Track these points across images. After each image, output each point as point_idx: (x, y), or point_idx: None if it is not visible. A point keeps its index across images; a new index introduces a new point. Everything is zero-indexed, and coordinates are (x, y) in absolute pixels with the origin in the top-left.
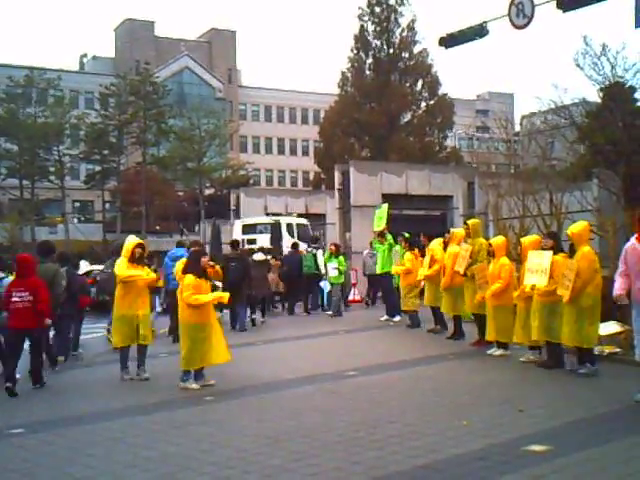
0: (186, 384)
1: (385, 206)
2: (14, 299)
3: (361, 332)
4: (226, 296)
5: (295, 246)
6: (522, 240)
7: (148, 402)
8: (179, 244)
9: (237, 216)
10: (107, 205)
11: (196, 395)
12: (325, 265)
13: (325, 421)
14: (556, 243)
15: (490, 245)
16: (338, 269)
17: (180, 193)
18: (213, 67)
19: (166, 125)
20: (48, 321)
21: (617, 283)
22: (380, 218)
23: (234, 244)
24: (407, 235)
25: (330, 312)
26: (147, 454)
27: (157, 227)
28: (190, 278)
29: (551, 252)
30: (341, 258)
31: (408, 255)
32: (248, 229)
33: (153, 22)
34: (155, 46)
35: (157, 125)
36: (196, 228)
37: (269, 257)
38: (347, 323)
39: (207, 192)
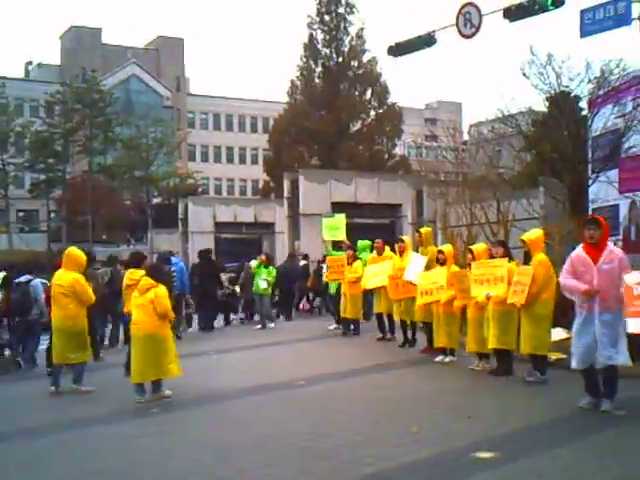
0: (138, 398)
1: (341, 216)
2: None
3: (311, 341)
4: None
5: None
6: (472, 248)
7: (96, 414)
8: (170, 253)
9: (185, 225)
10: (52, 214)
11: (145, 407)
12: (254, 276)
13: (275, 431)
14: (506, 251)
15: (440, 252)
16: (267, 280)
17: (127, 202)
18: (161, 75)
19: (113, 133)
20: None
21: (573, 282)
22: (337, 228)
23: (205, 253)
24: (365, 243)
25: (259, 326)
26: (94, 467)
27: (103, 236)
28: (164, 289)
29: (506, 259)
30: (271, 269)
31: (358, 263)
32: None
33: (100, 29)
34: (102, 53)
35: (104, 133)
36: (144, 238)
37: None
38: (297, 332)
39: (155, 201)
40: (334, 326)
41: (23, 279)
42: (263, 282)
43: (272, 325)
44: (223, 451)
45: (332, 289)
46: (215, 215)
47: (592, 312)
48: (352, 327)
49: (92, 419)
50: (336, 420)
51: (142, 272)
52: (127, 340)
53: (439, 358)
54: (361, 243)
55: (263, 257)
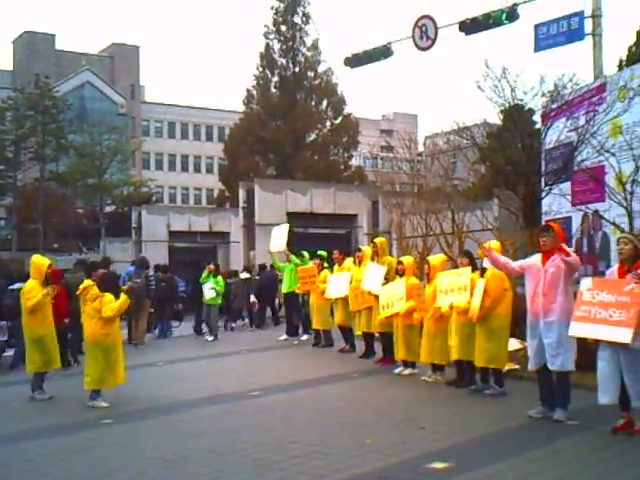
0: (95, 402)
1: (286, 226)
2: None
3: (265, 352)
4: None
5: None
6: (429, 260)
7: (43, 426)
8: (135, 262)
9: (138, 234)
10: (2, 222)
11: (94, 418)
12: (201, 285)
13: (227, 442)
14: (471, 261)
15: (400, 263)
16: (215, 290)
17: (80, 210)
18: (115, 82)
19: (66, 140)
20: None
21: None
22: (281, 238)
23: (164, 268)
24: (324, 254)
25: (211, 337)
26: None
27: (55, 245)
28: (110, 296)
29: (469, 268)
30: (219, 278)
31: (326, 273)
32: None
33: (54, 35)
34: (55, 60)
35: (56, 140)
36: (96, 247)
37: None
38: (250, 343)
39: (108, 209)
40: (284, 337)
41: (16, 286)
42: (210, 291)
43: (210, 339)
44: (176, 463)
45: (301, 299)
46: (169, 224)
47: (538, 316)
48: (321, 338)
49: (43, 430)
50: (289, 431)
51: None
52: None
53: (398, 370)
54: (306, 254)
55: (211, 266)
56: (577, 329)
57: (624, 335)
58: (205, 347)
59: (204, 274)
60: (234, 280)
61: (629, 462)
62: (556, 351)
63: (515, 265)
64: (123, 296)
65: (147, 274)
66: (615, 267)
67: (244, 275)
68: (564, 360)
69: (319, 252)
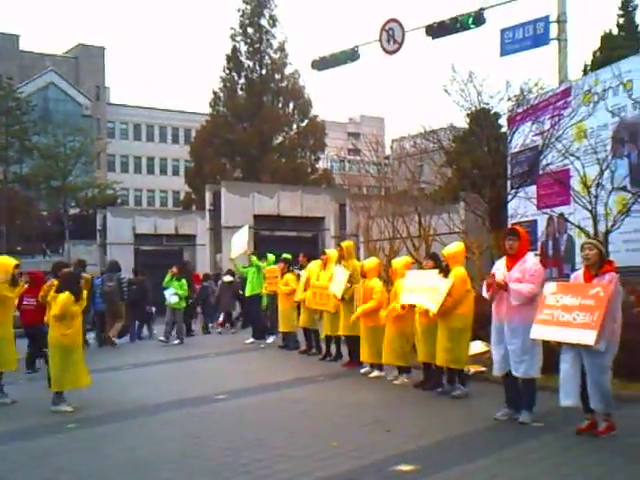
0: (59, 407)
1: (245, 228)
2: (24, 302)
3: (231, 355)
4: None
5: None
6: (393, 262)
7: (3, 431)
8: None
9: (103, 237)
10: None
11: (58, 422)
12: (163, 289)
13: (193, 446)
14: (436, 263)
15: (363, 266)
16: (177, 294)
17: (44, 212)
18: (80, 83)
19: (30, 142)
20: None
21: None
22: (241, 242)
23: (136, 272)
24: (288, 257)
25: (177, 340)
26: None
27: (18, 248)
28: (65, 296)
29: (436, 271)
30: (183, 282)
31: (290, 276)
32: None
33: (18, 36)
34: (19, 60)
35: (20, 142)
36: (61, 249)
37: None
38: (216, 346)
39: (72, 212)
40: (251, 340)
41: None
42: (173, 296)
43: (176, 342)
44: (141, 468)
45: (265, 302)
46: (135, 226)
47: (502, 321)
48: (288, 340)
49: (3, 435)
50: (256, 434)
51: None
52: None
53: (364, 370)
54: (271, 257)
55: (174, 269)
56: (539, 332)
57: (588, 337)
58: (172, 351)
59: (167, 277)
60: (219, 283)
61: (594, 462)
62: (520, 358)
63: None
64: (66, 293)
65: (119, 277)
66: (580, 271)
67: (227, 278)
68: (528, 367)
69: (284, 255)
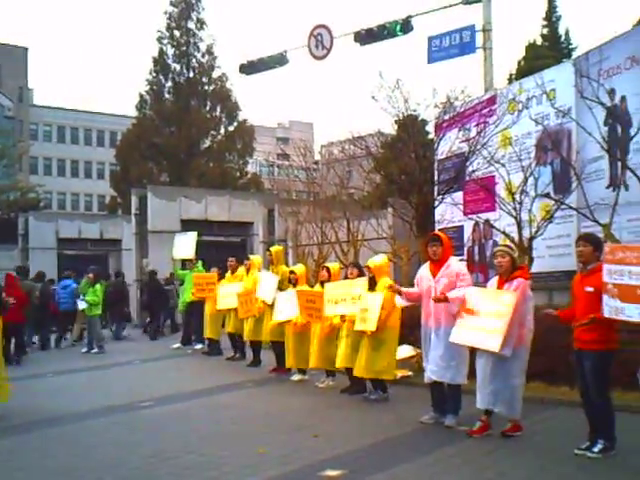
0: None
1: (194, 234)
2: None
3: (157, 361)
4: None
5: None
6: (330, 266)
7: None
8: (67, 277)
9: (25, 241)
10: None
11: None
12: (78, 295)
13: (118, 455)
14: (361, 272)
15: (292, 272)
16: (86, 301)
17: None
18: (2, 85)
19: None
20: None
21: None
22: (188, 246)
23: (117, 274)
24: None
25: (95, 349)
26: None
27: None
28: None
29: (365, 279)
30: (97, 287)
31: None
32: None
33: None
34: None
35: None
36: None
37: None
38: (142, 352)
39: None
40: (177, 345)
41: None
42: (82, 302)
43: (95, 350)
44: (63, 477)
45: (181, 307)
46: (58, 231)
47: (429, 327)
48: (212, 347)
49: None
50: (183, 442)
51: None
52: None
53: (295, 377)
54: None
55: (91, 275)
56: (457, 336)
57: (493, 343)
58: (96, 358)
59: (82, 283)
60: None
61: (519, 463)
62: (447, 363)
63: (416, 288)
64: None
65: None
66: (495, 278)
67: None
68: (454, 374)
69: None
